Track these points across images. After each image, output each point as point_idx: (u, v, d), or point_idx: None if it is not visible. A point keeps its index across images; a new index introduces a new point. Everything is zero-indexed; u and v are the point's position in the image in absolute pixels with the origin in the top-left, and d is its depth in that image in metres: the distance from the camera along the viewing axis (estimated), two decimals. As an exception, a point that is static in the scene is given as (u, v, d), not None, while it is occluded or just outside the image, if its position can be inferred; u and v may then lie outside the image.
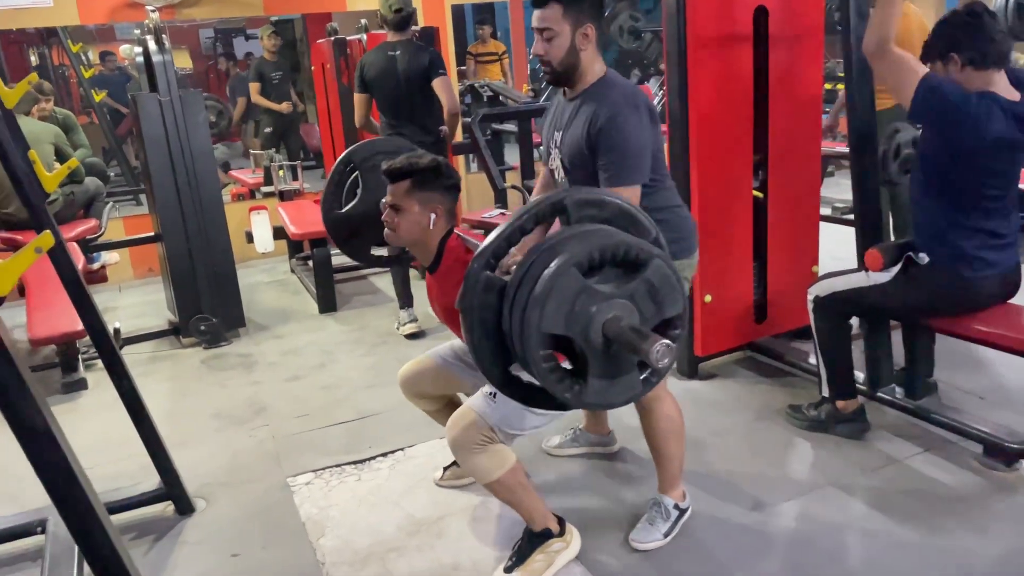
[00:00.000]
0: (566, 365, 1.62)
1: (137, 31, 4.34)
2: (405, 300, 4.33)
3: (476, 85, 6.80)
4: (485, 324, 1.65)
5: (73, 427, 3.44)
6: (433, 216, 2.24)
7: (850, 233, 3.08)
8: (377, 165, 2.88)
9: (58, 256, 2.35)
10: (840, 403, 2.85)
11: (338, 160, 3.01)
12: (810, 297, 2.85)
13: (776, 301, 3.47)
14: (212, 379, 3.88)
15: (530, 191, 5.75)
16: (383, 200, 2.30)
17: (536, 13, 2.18)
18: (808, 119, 3.36)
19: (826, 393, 2.88)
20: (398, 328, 4.33)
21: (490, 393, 2.17)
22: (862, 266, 2.78)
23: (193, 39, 9.45)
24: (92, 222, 4.73)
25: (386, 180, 2.26)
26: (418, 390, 2.62)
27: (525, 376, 1.73)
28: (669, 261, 1.58)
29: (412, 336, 4.22)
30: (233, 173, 7.33)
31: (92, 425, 3.40)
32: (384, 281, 5.37)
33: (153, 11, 4.21)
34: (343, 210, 2.99)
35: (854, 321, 2.92)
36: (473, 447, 2.11)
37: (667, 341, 1.44)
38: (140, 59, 4.33)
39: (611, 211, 1.69)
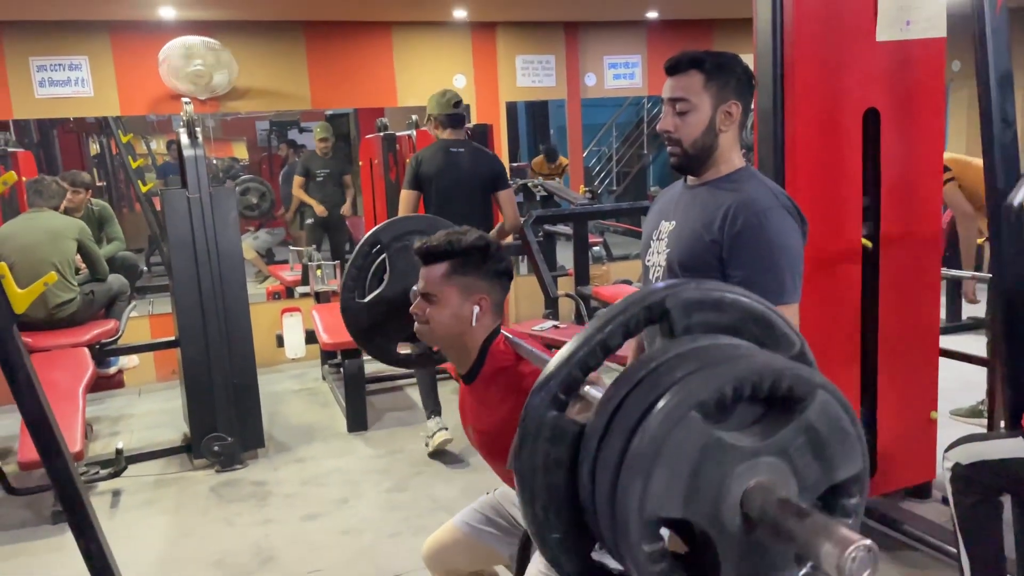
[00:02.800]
0: (668, 542, 1.02)
1: (182, 126, 4.08)
2: (433, 407, 3.88)
3: (530, 184, 6.45)
4: (553, 493, 1.06)
5: (52, 571, 2.96)
6: (476, 309, 1.72)
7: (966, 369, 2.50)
8: (408, 246, 2.38)
9: (23, 395, 1.92)
10: (990, 603, 2.23)
11: (362, 240, 2.56)
12: (947, 465, 2.26)
13: (888, 453, 2.87)
14: (219, 513, 3.38)
15: (584, 299, 5.32)
16: (414, 287, 1.81)
17: (670, 81, 1.79)
18: (926, 237, 2.84)
19: (970, 587, 2.26)
20: (427, 444, 3.84)
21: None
22: (1014, 427, 2.21)
23: (251, 131, 9.47)
24: (110, 324, 4.37)
25: (419, 262, 1.77)
26: (447, 568, 2.08)
27: (611, 563, 1.14)
28: (838, 394, 1.00)
29: (441, 452, 3.69)
30: (273, 269, 7.04)
31: (75, 572, 2.91)
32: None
33: (188, 103, 3.94)
34: (365, 299, 2.51)
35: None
36: None
37: (865, 542, 0.82)
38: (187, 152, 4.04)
39: (735, 314, 1.10)
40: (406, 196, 3.84)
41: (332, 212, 6.88)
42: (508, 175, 3.94)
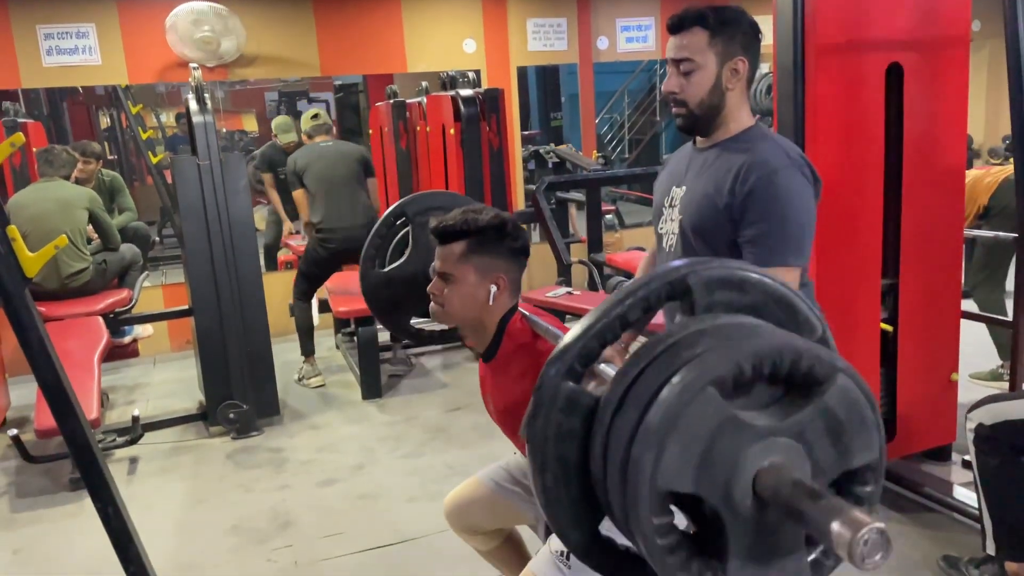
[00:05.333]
0: (678, 520, 0.98)
1: (191, 92, 4.03)
2: (309, 349, 4.55)
3: (541, 151, 6.39)
4: (564, 463, 1.06)
5: (71, 538, 2.98)
6: (494, 288, 1.70)
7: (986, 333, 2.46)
8: None
9: (36, 359, 1.92)
10: (1011, 566, 2.21)
11: (388, 211, 2.52)
12: (970, 426, 2.23)
13: (908, 415, 2.84)
14: (236, 480, 3.40)
15: (598, 266, 5.28)
16: (432, 265, 1.78)
17: (673, 40, 1.73)
18: (949, 196, 2.78)
19: (991, 550, 2.24)
20: (299, 380, 4.53)
21: (561, 553, 1.63)
22: (1039, 387, 2.17)
23: (259, 102, 9.39)
24: (124, 293, 4.37)
25: (435, 241, 1.75)
26: (469, 523, 2.07)
27: (620, 539, 1.13)
28: (859, 379, 0.98)
29: (455, 418, 3.69)
30: (287, 240, 7.01)
31: (94, 538, 2.93)
32: (434, 362, 4.89)
33: (196, 68, 3.89)
34: (385, 269, 2.49)
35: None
36: None
37: (878, 525, 0.80)
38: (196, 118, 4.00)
39: (757, 295, 1.09)
40: (297, 196, 4.55)
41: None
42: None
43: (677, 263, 1.06)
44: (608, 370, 1.07)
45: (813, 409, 0.93)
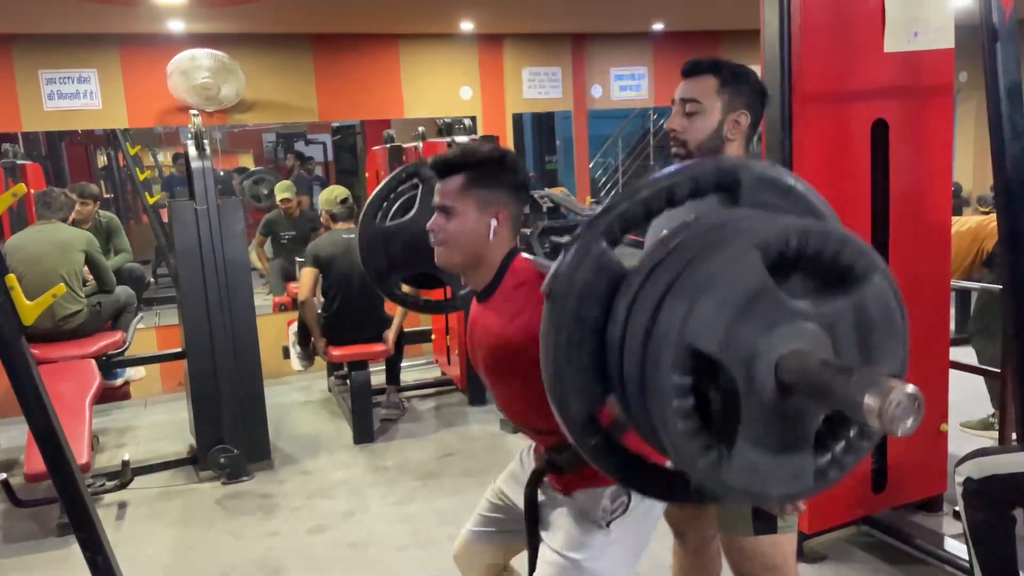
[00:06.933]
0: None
1: (190, 137, 4.09)
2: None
3: (536, 195, 6.44)
4: (582, 324, 1.00)
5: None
6: (494, 223, 1.66)
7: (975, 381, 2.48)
8: None
9: (31, 407, 1.92)
10: (1004, 619, 2.20)
11: (400, 167, 2.48)
12: (959, 479, 2.24)
13: (898, 466, 2.85)
14: (225, 526, 3.37)
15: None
16: (433, 201, 1.73)
17: (684, 83, 1.80)
18: (935, 248, 2.83)
19: (983, 602, 2.23)
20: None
21: (605, 511, 1.60)
22: (1027, 440, 2.19)
23: (257, 143, 9.48)
24: (117, 335, 4.37)
25: (434, 175, 1.72)
26: (479, 570, 2.04)
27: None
28: (895, 285, 0.95)
29: (447, 464, 3.73)
30: (291, 286, 6.96)
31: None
32: (427, 405, 4.88)
33: (196, 115, 3.95)
34: (387, 223, 2.44)
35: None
36: None
37: (910, 388, 0.78)
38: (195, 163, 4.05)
39: (800, 206, 1.05)
40: (307, 273, 4.36)
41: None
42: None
43: (728, 156, 1.05)
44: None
45: (847, 302, 0.92)
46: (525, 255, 1.73)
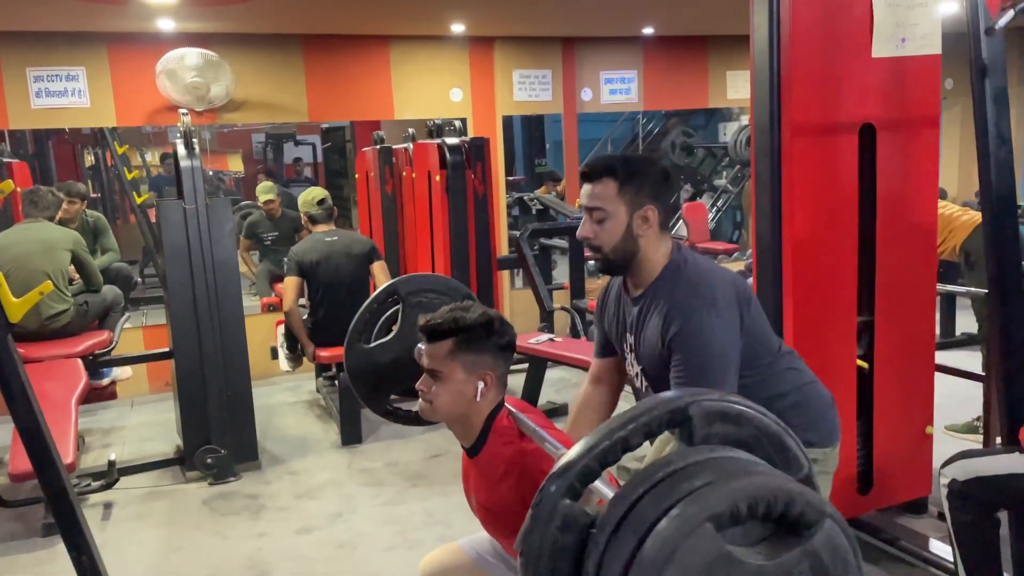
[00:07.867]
0: None
1: (179, 137, 4.07)
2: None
3: (525, 198, 6.47)
4: None
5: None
6: (481, 385, 1.71)
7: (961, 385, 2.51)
8: (425, 304, 2.40)
9: (17, 405, 1.91)
10: (987, 620, 2.22)
11: (381, 287, 2.59)
12: (944, 481, 2.26)
13: (884, 468, 2.87)
14: (212, 527, 3.35)
15: (580, 312, 5.32)
16: (419, 345, 1.79)
17: (586, 187, 1.80)
18: (922, 252, 2.85)
19: (967, 603, 2.25)
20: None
21: None
22: (1011, 442, 2.21)
23: (246, 144, 9.45)
24: (104, 335, 4.34)
25: (423, 338, 1.76)
26: None
27: None
28: (844, 525, 1.05)
29: (435, 466, 3.73)
30: (279, 286, 6.95)
31: (63, 583, 2.88)
32: (414, 406, 4.86)
33: (185, 115, 3.93)
34: (370, 345, 2.53)
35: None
36: None
37: None
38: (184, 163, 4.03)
39: (752, 430, 1.15)
40: (290, 282, 4.36)
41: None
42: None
43: (678, 392, 1.13)
44: (603, 488, 1.11)
45: (801, 552, 1.00)
46: (509, 408, 1.76)
